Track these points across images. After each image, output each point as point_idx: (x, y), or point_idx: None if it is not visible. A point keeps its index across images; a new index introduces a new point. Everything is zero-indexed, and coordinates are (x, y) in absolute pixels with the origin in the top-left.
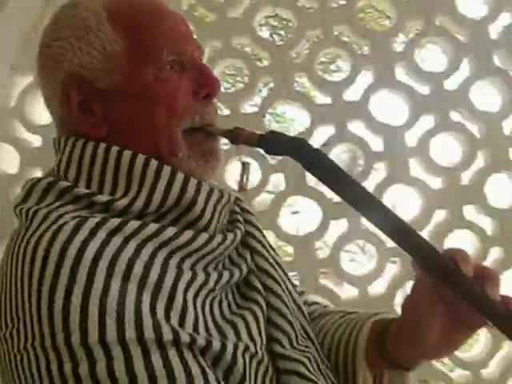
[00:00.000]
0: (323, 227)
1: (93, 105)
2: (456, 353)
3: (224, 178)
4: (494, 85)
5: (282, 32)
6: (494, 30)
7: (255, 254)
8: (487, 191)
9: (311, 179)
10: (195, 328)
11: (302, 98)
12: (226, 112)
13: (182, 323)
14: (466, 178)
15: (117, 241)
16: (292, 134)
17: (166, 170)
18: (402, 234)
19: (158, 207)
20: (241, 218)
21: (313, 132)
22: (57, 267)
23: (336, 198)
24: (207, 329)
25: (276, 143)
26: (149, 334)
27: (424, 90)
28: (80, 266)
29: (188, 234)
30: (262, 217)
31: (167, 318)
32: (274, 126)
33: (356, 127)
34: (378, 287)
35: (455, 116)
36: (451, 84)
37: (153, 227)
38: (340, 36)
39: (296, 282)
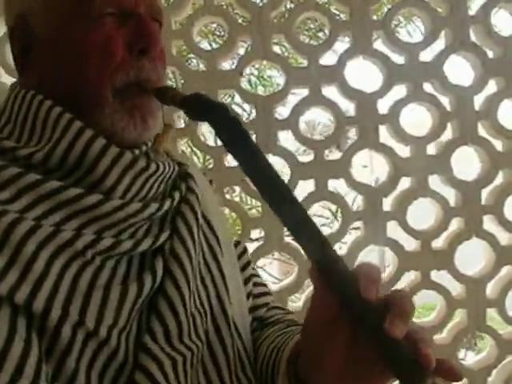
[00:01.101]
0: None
1: (33, 52)
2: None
3: None
4: (468, 59)
5: None
6: (474, 5)
7: (175, 235)
8: (453, 163)
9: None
10: (36, 287)
11: (278, 59)
12: (203, 69)
13: (21, 280)
14: (433, 148)
15: None
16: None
17: (76, 124)
18: (304, 229)
19: (60, 162)
20: (177, 195)
21: (287, 93)
22: None
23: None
24: (53, 292)
25: (196, 106)
26: None
27: (399, 59)
28: None
29: (75, 190)
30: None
31: (5, 270)
32: (260, 90)
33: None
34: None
35: (428, 87)
36: (427, 56)
37: (34, 176)
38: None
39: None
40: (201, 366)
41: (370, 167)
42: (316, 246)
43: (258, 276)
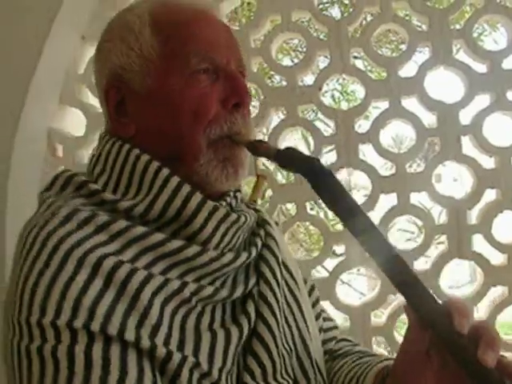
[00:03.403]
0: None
1: (128, 105)
2: None
3: None
4: None
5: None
6: None
7: (261, 280)
8: None
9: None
10: (154, 332)
11: (357, 73)
12: (284, 84)
13: (140, 324)
14: None
15: (101, 237)
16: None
17: (174, 180)
18: (399, 272)
19: (160, 215)
20: (259, 242)
21: (367, 107)
22: (38, 252)
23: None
24: (169, 336)
25: (290, 160)
26: (96, 324)
27: (481, 68)
28: (56, 254)
29: (177, 242)
30: None
31: (126, 316)
32: (344, 104)
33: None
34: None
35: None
36: (510, 63)
37: (140, 229)
38: (398, 12)
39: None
40: None
41: (460, 180)
42: (409, 284)
43: (325, 311)
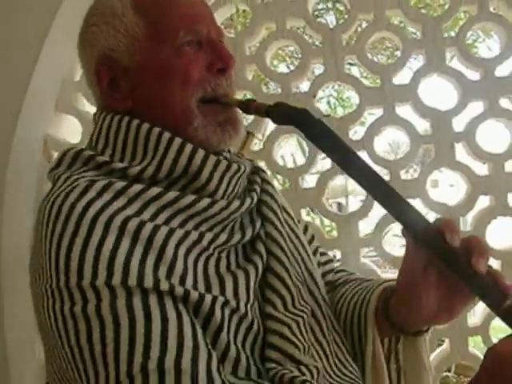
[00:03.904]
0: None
1: (120, 82)
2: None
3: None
4: None
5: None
6: None
7: (266, 221)
8: None
9: None
10: (182, 279)
11: (351, 80)
12: (278, 91)
13: (169, 274)
14: (511, 165)
15: (120, 201)
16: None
17: (177, 141)
18: (391, 199)
19: (168, 174)
20: (257, 188)
21: (362, 114)
22: (65, 222)
23: None
24: (195, 281)
25: (281, 113)
26: (132, 280)
27: (474, 75)
28: (83, 221)
29: (190, 197)
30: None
31: (156, 268)
32: (340, 111)
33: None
34: None
35: (505, 103)
36: (503, 71)
37: (155, 190)
38: (392, 20)
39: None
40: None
41: (456, 186)
42: (403, 209)
43: (320, 246)
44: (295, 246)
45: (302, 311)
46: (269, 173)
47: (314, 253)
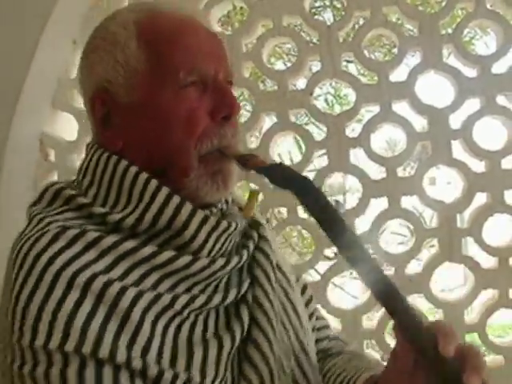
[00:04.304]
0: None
1: (114, 118)
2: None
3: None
4: None
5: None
6: None
7: (255, 283)
8: None
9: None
10: (145, 350)
11: (348, 77)
12: (275, 88)
13: (131, 343)
14: (508, 162)
15: (90, 254)
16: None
17: (164, 191)
18: (386, 293)
19: (150, 226)
20: (251, 245)
21: (358, 111)
22: (28, 272)
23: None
24: (160, 352)
25: (281, 177)
26: (87, 348)
27: (471, 72)
28: (45, 275)
29: (168, 253)
30: None
31: (116, 336)
32: (337, 108)
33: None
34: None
35: (502, 100)
36: (500, 68)
37: (130, 244)
38: (389, 17)
39: None
40: None
41: (453, 183)
42: (396, 304)
43: (318, 310)
44: (286, 312)
45: None
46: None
47: (310, 316)
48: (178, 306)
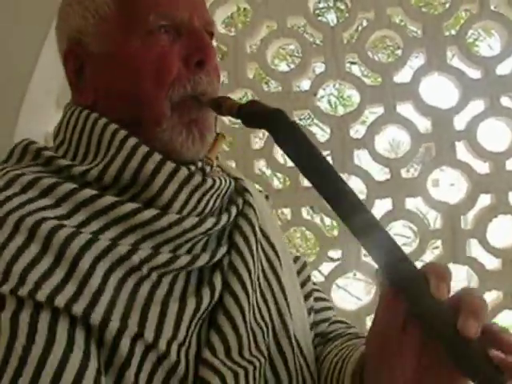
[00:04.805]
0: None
1: (86, 70)
2: None
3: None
4: None
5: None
6: None
7: (233, 249)
8: None
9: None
10: (93, 301)
11: (352, 78)
12: (279, 89)
13: (78, 292)
14: None
15: (45, 201)
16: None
17: (131, 141)
18: (367, 226)
19: (115, 180)
20: (233, 210)
21: (362, 112)
22: None
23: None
24: (110, 306)
25: (253, 114)
26: (25, 291)
27: (475, 74)
28: None
29: (130, 205)
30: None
31: (62, 283)
32: (340, 109)
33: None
34: None
35: (506, 101)
36: (504, 69)
37: (89, 192)
38: (392, 18)
39: None
40: (263, 381)
41: (457, 185)
42: (382, 245)
43: (318, 291)
44: (269, 283)
45: (250, 362)
46: (268, 172)
47: (307, 296)
48: (135, 258)
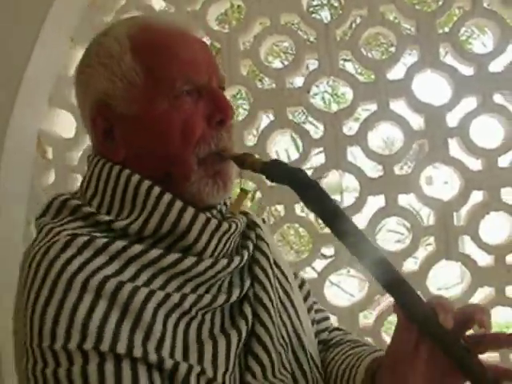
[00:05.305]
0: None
1: (115, 130)
2: None
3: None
4: None
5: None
6: None
7: (255, 282)
8: None
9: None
10: (159, 345)
11: (345, 75)
12: (272, 86)
13: (145, 340)
14: (505, 160)
15: (100, 259)
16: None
17: (166, 197)
18: (386, 274)
19: (154, 231)
20: (250, 245)
21: (355, 109)
22: (42, 281)
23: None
24: (173, 347)
25: (277, 172)
26: (105, 345)
27: (468, 71)
28: (59, 281)
29: (173, 256)
30: None
31: (131, 333)
32: (334, 107)
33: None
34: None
35: (498, 98)
36: (497, 66)
37: (137, 248)
38: (386, 15)
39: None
40: None
41: (450, 182)
42: (397, 286)
43: (316, 303)
44: (285, 307)
45: (281, 380)
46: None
47: (309, 310)
48: (186, 304)
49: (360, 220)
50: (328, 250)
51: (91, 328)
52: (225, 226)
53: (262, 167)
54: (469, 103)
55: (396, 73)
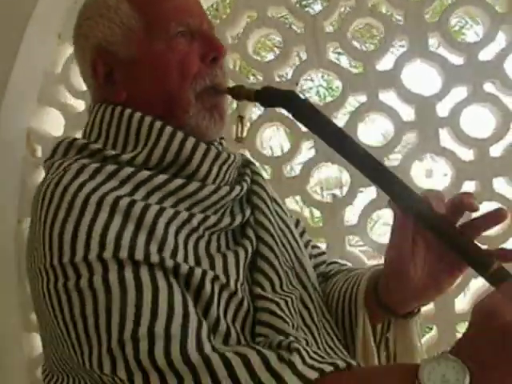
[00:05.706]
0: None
1: (115, 74)
2: None
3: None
4: None
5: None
6: None
7: (255, 209)
8: None
9: None
10: (173, 253)
11: (333, 67)
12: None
13: (160, 249)
14: (496, 150)
15: (112, 183)
16: None
17: (168, 129)
18: (379, 173)
19: (159, 162)
20: (248, 178)
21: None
22: (58, 204)
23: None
24: (186, 256)
25: (269, 96)
26: (123, 253)
27: (458, 60)
28: (75, 202)
29: (179, 181)
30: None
31: (147, 243)
32: (328, 99)
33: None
34: None
35: (489, 87)
36: (487, 55)
37: (145, 173)
38: (374, 5)
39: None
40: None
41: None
42: (392, 181)
43: (311, 240)
44: (284, 233)
45: (291, 293)
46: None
47: (306, 245)
48: (194, 221)
49: (353, 212)
50: (320, 245)
51: (109, 238)
52: (224, 155)
53: (256, 95)
54: (459, 93)
55: (386, 63)
